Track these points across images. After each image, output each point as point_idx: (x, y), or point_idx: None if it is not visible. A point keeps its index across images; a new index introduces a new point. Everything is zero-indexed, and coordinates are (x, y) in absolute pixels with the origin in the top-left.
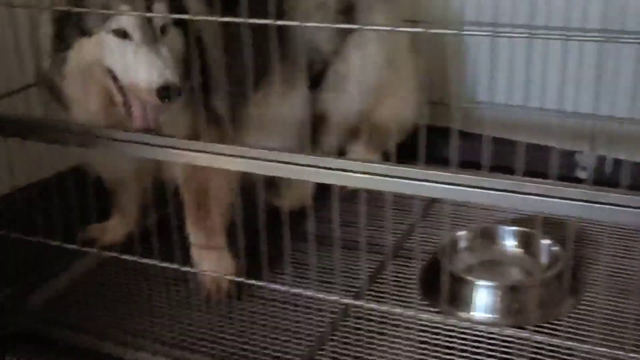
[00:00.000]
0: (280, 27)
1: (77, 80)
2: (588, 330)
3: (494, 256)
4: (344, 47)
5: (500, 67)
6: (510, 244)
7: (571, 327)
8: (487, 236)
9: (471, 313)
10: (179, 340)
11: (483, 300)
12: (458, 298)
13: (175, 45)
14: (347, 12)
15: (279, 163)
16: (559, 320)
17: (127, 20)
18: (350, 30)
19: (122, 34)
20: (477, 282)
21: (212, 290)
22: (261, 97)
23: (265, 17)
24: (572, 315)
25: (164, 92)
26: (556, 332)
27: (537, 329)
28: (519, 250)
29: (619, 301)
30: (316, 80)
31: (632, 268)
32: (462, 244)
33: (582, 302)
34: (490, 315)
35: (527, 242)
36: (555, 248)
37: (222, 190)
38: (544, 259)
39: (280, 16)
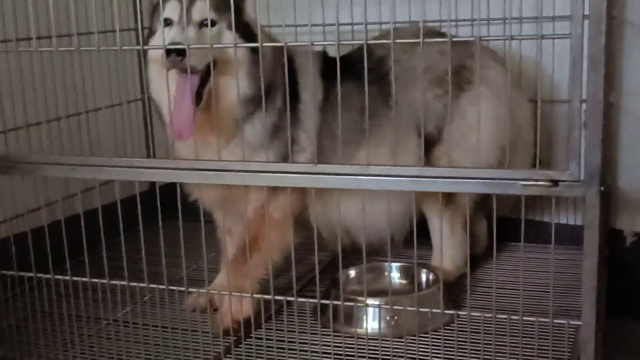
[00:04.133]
0: (385, 93)
1: (155, 75)
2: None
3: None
4: (458, 105)
5: None
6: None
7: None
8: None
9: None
10: None
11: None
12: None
13: (217, 41)
14: (457, 72)
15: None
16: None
17: (170, 10)
18: (466, 89)
19: (169, 23)
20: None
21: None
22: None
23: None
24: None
25: (171, 52)
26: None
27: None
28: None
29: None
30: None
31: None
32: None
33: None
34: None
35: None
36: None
37: (274, 245)
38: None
39: (383, 78)
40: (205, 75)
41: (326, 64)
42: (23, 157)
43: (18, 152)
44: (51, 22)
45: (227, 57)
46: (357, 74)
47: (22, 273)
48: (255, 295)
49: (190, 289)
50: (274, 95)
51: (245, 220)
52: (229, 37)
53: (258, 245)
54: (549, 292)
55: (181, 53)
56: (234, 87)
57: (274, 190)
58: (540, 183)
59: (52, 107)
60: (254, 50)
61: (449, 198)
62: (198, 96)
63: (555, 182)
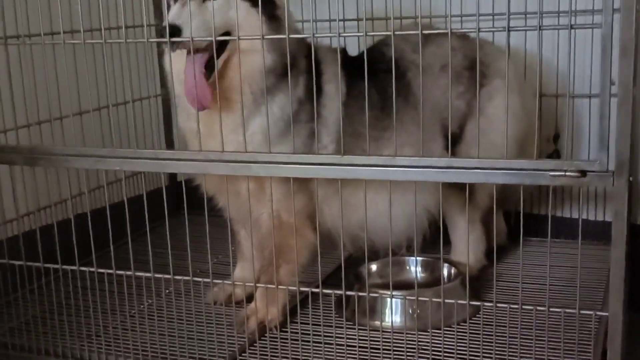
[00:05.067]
0: (405, 89)
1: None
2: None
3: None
4: (479, 101)
5: None
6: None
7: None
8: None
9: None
10: None
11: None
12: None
13: (226, 13)
14: (472, 67)
15: None
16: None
17: None
18: (482, 84)
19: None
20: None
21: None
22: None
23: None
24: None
25: (170, 30)
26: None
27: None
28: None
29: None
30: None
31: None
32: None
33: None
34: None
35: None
36: (453, 270)
37: (299, 252)
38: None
39: (400, 78)
40: (218, 47)
41: (346, 61)
42: (50, 149)
43: (43, 144)
44: (79, 17)
45: (239, 26)
46: (373, 74)
47: (47, 265)
48: (281, 287)
49: (215, 281)
50: (296, 80)
51: (263, 229)
52: (239, 6)
53: (284, 256)
54: (570, 286)
55: (176, 33)
56: (248, 61)
57: (287, 194)
58: (568, 174)
59: (74, 100)
60: (271, 20)
61: (469, 193)
62: (209, 70)
63: (583, 173)
